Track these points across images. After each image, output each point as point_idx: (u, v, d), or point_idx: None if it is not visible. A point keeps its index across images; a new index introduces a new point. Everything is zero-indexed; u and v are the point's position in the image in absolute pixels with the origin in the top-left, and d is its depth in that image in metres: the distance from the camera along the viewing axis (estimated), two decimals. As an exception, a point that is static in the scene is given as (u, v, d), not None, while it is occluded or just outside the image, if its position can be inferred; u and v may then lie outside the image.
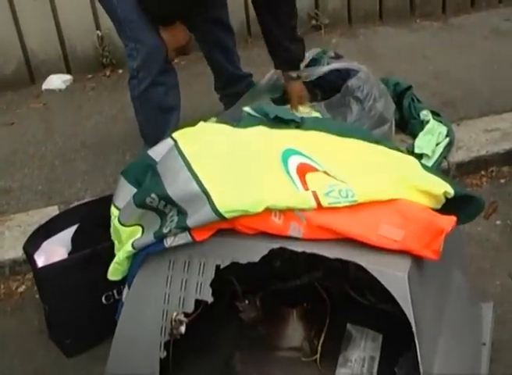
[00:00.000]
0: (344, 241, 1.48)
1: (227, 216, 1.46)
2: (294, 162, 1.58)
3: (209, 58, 3.20)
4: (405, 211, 1.48)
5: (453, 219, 1.47)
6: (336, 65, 2.89)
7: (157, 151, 1.71)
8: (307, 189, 1.51)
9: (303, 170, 1.56)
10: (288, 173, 1.55)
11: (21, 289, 2.52)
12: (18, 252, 2.50)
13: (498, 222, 2.67)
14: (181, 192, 1.52)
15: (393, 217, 1.47)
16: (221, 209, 1.46)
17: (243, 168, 1.56)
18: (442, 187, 1.56)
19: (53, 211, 2.76)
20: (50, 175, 3.07)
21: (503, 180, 2.92)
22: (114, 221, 1.70)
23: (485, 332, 1.94)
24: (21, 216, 2.79)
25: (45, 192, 2.95)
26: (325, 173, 1.57)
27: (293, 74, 2.83)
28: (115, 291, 2.14)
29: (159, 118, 2.78)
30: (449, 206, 1.58)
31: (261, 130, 1.74)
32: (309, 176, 1.55)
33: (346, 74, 2.84)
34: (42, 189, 2.97)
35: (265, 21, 2.79)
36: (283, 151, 1.61)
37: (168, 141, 1.71)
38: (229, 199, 1.47)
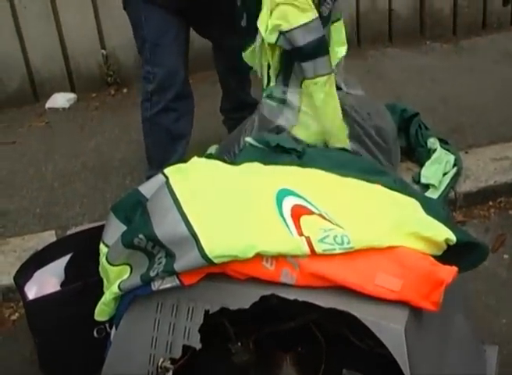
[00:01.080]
0: (339, 289, 1.42)
1: (216, 261, 1.40)
2: (289, 203, 1.52)
3: (223, 80, 3.17)
4: (404, 259, 1.42)
5: (454, 269, 1.40)
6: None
7: (148, 187, 1.66)
8: (301, 234, 1.44)
9: (297, 213, 1.50)
10: (282, 215, 1.49)
11: (14, 317, 2.48)
12: (12, 279, 2.43)
13: (506, 256, 2.60)
14: (169, 234, 1.46)
15: (391, 266, 1.41)
16: (210, 254, 1.40)
17: (235, 210, 1.50)
18: (444, 234, 1.49)
19: (50, 236, 2.74)
20: (48, 197, 3.03)
21: (511, 212, 2.85)
22: (102, 259, 1.64)
23: (489, 377, 1.87)
24: (16, 240, 2.75)
25: (43, 215, 2.91)
26: (321, 216, 1.51)
27: None
28: (107, 325, 2.07)
29: (167, 144, 2.74)
30: (451, 252, 1.52)
31: (256, 168, 1.69)
32: (304, 220, 1.48)
33: None
34: (40, 212, 2.93)
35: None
36: (278, 191, 1.55)
37: (160, 178, 1.65)
38: (219, 244, 1.41)
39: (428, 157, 2.87)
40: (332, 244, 1.41)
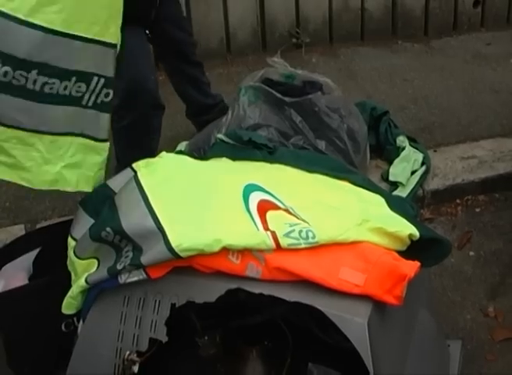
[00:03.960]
0: (304, 283, 1.43)
1: (182, 254, 1.41)
2: (255, 198, 1.53)
3: (179, 91, 3.17)
4: (367, 254, 1.44)
5: (416, 264, 1.42)
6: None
7: (116, 182, 1.66)
8: (266, 228, 1.46)
9: (264, 208, 1.51)
10: (248, 210, 1.50)
11: (-20, 311, 2.44)
12: (-21, 272, 2.43)
13: (471, 253, 2.64)
14: (136, 227, 1.47)
15: (355, 261, 1.43)
16: (176, 248, 1.41)
17: (202, 204, 1.51)
18: (408, 230, 1.52)
19: (19, 230, 2.72)
20: (18, 192, 2.98)
21: (478, 209, 2.90)
22: (70, 253, 1.64)
23: (452, 371, 1.89)
24: (-14, 234, 2.72)
25: (12, 209, 2.88)
26: (287, 211, 1.52)
27: None
28: (75, 319, 2.06)
29: (135, 151, 2.67)
30: (415, 248, 1.54)
31: (224, 163, 1.70)
32: (270, 215, 1.50)
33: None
34: (9, 206, 2.90)
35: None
36: (245, 186, 1.56)
37: (128, 172, 1.66)
38: (185, 237, 1.42)
39: (397, 155, 2.90)
40: (298, 239, 1.43)
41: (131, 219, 1.49)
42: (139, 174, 1.61)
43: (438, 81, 3.80)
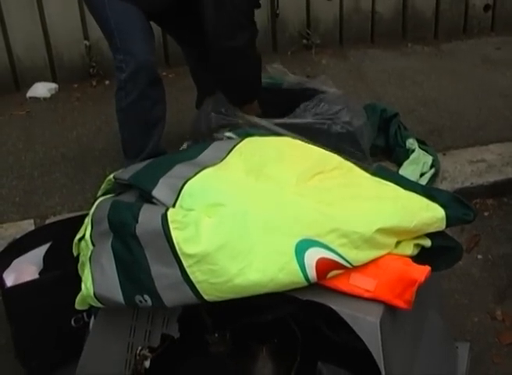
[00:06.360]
0: (315, 283, 1.44)
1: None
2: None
3: (194, 72, 3.17)
4: (378, 260, 1.44)
5: (426, 269, 1.43)
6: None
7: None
8: None
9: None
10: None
11: (-10, 305, 2.46)
12: (-11, 266, 2.44)
13: (479, 256, 2.64)
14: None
15: (366, 266, 1.43)
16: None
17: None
18: (420, 239, 1.53)
19: (29, 225, 2.73)
20: (28, 187, 3.02)
21: (486, 213, 2.90)
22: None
23: (460, 373, 1.90)
24: (-5, 228, 2.74)
25: (22, 204, 2.90)
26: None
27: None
28: (84, 314, 2.08)
29: (143, 132, 2.74)
30: (427, 252, 1.55)
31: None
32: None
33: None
34: (19, 201, 2.92)
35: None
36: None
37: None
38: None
39: (407, 157, 2.91)
40: None
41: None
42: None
43: (447, 84, 3.81)
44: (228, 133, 1.89)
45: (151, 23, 2.73)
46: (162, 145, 2.81)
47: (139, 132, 2.75)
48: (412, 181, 1.80)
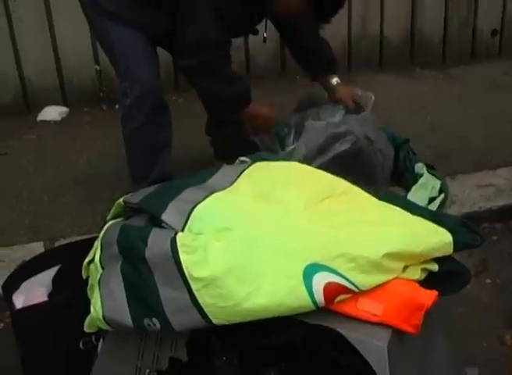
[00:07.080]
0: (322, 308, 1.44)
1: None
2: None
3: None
4: (385, 284, 1.45)
5: (433, 293, 1.43)
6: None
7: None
8: None
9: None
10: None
11: (-1, 326, 2.47)
12: (-1, 288, 2.45)
13: (488, 280, 2.64)
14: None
15: (373, 290, 1.44)
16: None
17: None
18: (427, 263, 1.53)
19: (38, 247, 2.74)
20: (38, 209, 3.04)
21: (495, 237, 2.90)
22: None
23: (468, 399, 1.89)
24: (5, 250, 2.75)
25: (32, 227, 2.91)
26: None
27: (334, 79, 2.96)
28: (93, 337, 2.08)
29: (148, 158, 2.76)
30: (435, 277, 1.55)
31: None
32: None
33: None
34: (29, 224, 2.94)
35: (291, 36, 3.00)
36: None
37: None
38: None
39: (415, 181, 2.91)
40: None
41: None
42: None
43: (455, 109, 3.83)
44: (242, 158, 1.90)
45: (159, 48, 2.76)
46: (170, 170, 2.81)
47: (145, 157, 2.76)
48: (420, 206, 1.81)
